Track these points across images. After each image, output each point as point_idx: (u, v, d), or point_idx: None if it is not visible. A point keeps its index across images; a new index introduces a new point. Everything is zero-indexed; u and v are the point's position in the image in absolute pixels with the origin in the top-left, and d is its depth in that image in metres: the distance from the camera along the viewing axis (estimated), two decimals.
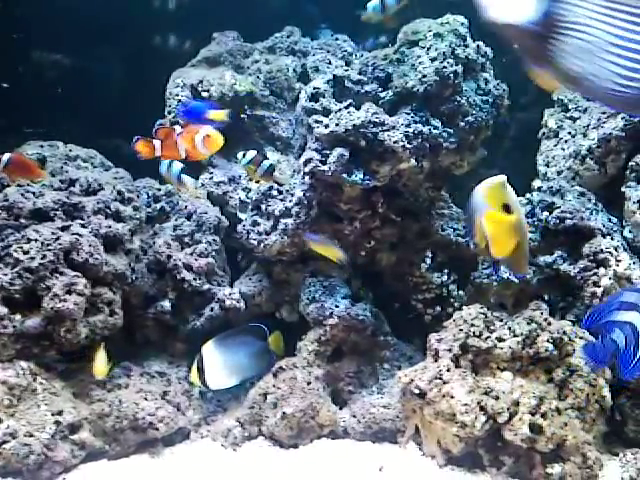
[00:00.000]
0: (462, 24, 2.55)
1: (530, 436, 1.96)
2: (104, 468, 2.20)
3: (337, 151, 2.40)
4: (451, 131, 2.47)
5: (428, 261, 2.72)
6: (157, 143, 2.11)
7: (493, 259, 1.89)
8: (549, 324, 2.13)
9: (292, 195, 2.66)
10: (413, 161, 2.43)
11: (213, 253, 2.71)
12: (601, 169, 2.59)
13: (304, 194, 2.57)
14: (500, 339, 2.12)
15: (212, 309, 2.64)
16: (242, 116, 3.14)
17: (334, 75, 2.52)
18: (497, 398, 2.02)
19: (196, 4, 3.62)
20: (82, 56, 3.54)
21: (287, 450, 2.34)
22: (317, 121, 2.44)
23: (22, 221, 2.35)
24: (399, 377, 2.21)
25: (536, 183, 2.61)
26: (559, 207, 2.42)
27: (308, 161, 2.46)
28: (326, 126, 2.42)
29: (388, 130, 2.38)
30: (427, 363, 2.21)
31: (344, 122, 2.38)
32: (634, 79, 1.03)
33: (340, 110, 2.43)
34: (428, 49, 2.48)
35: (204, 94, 3.07)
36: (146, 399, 2.32)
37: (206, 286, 2.65)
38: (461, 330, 2.16)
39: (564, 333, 2.11)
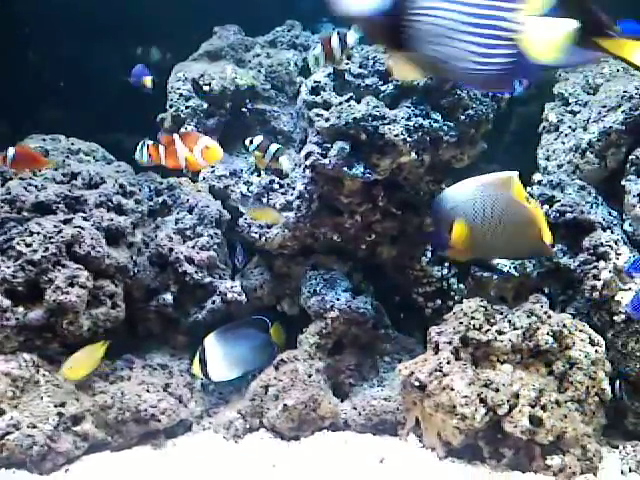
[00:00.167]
0: None
1: (530, 428, 1.97)
2: (107, 459, 2.21)
3: (338, 144, 2.41)
4: (451, 124, 2.47)
5: (428, 254, 2.74)
6: (162, 150, 2.14)
7: (489, 259, 1.95)
8: (549, 317, 2.14)
9: (293, 189, 2.67)
10: (414, 154, 2.43)
11: (215, 246, 2.72)
12: (601, 163, 2.59)
13: (305, 187, 2.58)
14: (500, 332, 2.12)
15: (214, 302, 2.65)
16: (243, 110, 3.14)
17: (334, 68, 2.53)
18: (497, 390, 2.03)
19: None
20: (83, 50, 3.54)
21: (288, 442, 2.35)
22: (318, 114, 2.44)
23: (25, 214, 2.36)
24: (399, 370, 2.22)
25: (536, 177, 2.61)
26: (559, 201, 2.42)
27: (309, 154, 2.46)
28: (327, 119, 2.42)
29: (389, 123, 2.38)
30: (427, 356, 2.21)
31: (345, 115, 2.39)
32: (491, 55, 1.01)
33: (341, 103, 2.43)
34: None
35: (205, 88, 3.07)
36: (148, 391, 2.33)
37: (208, 279, 2.65)
38: (461, 323, 2.17)
39: (564, 326, 2.11)
